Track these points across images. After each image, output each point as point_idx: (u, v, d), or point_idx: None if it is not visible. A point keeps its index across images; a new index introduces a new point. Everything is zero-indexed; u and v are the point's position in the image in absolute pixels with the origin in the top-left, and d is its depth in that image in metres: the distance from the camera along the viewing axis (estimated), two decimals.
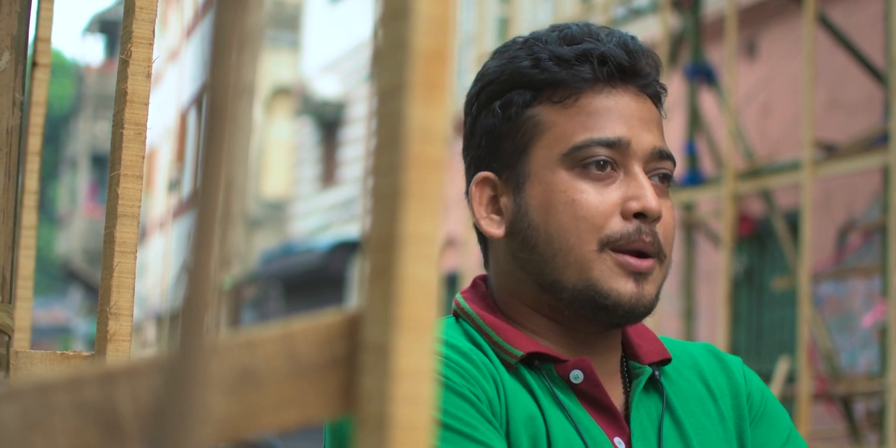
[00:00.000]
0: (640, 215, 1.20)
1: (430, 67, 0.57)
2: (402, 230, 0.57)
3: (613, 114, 1.23)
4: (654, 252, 1.21)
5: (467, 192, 1.30)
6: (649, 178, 1.24)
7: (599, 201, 1.20)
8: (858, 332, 6.54)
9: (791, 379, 5.70)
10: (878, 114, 6.02)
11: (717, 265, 6.16)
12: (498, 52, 1.30)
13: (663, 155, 1.24)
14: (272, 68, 18.44)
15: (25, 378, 1.11)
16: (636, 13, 7.34)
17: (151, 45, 1.12)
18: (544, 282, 1.22)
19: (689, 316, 6.43)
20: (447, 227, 10.12)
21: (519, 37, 1.30)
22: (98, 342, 1.10)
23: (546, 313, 1.25)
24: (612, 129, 1.22)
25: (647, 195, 1.20)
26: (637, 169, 1.22)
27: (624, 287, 1.20)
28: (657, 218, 1.21)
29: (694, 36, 6.46)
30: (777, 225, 5.92)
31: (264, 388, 0.59)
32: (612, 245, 1.20)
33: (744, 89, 7.23)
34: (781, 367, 5.46)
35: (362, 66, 15.20)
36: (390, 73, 0.58)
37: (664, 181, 1.25)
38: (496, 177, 1.27)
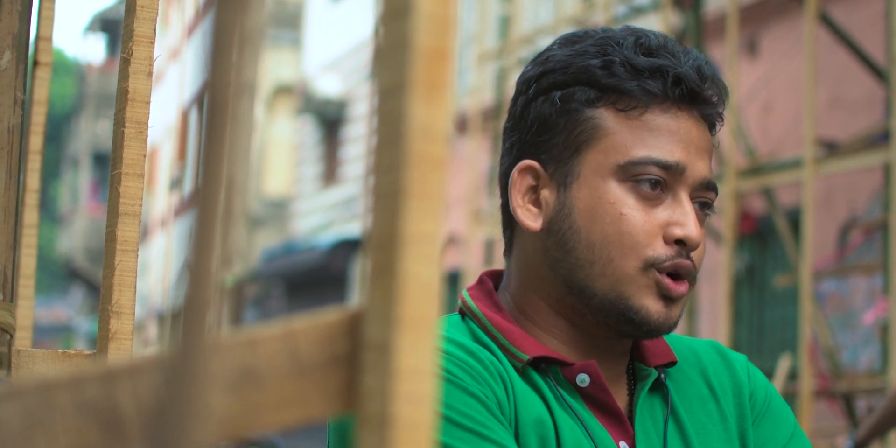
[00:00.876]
0: (680, 242, 1.21)
1: (431, 66, 0.57)
2: (404, 229, 0.57)
3: (676, 136, 1.22)
4: (690, 276, 1.22)
5: (504, 174, 1.28)
6: (693, 203, 1.24)
7: (645, 221, 1.20)
8: (860, 330, 6.54)
9: (793, 376, 5.70)
10: (880, 112, 6.02)
11: (719, 263, 6.16)
12: (567, 41, 1.27)
13: (710, 186, 1.24)
14: (273, 67, 18.44)
15: (27, 377, 1.11)
16: (637, 11, 7.34)
17: (152, 43, 1.12)
18: (574, 285, 1.22)
19: (691, 314, 6.42)
20: (448, 225, 10.12)
21: (591, 30, 1.28)
22: (100, 341, 1.10)
23: (565, 314, 1.24)
24: (672, 151, 1.21)
25: (691, 224, 1.21)
26: (684, 195, 1.22)
27: (654, 306, 1.20)
28: (696, 247, 1.21)
29: (695, 34, 6.45)
30: (778, 223, 5.93)
31: (265, 386, 0.59)
32: (657, 266, 1.20)
33: (745, 87, 7.22)
34: (783, 365, 5.46)
35: (364, 64, 15.20)
36: (391, 72, 0.58)
37: (704, 209, 1.25)
38: (542, 168, 1.25)
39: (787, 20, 7.21)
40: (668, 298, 1.20)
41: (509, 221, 1.29)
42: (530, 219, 1.24)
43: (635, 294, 1.20)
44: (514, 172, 1.26)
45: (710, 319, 7.28)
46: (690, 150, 1.22)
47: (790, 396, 5.30)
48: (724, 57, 6.10)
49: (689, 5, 6.52)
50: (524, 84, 1.28)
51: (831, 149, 5.48)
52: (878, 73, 5.62)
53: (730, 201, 5.68)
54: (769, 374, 5.53)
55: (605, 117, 1.22)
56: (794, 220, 6.26)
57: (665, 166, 1.20)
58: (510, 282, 1.29)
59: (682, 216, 1.21)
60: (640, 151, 1.21)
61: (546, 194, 1.24)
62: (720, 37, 6.80)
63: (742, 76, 6.94)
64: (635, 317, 1.19)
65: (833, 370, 5.57)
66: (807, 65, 5.14)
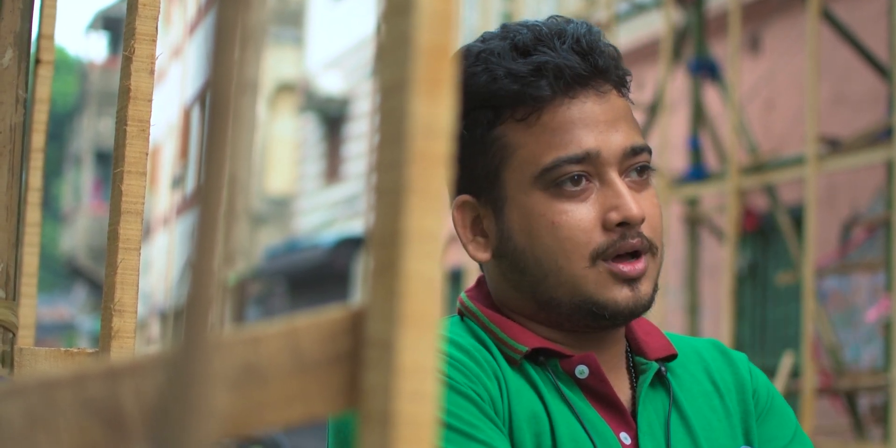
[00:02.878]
0: (622, 223, 1.20)
1: (433, 63, 0.57)
2: (406, 226, 0.57)
3: (577, 125, 1.20)
4: (645, 249, 1.21)
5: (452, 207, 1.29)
6: (627, 174, 1.22)
7: (579, 219, 1.19)
8: (862, 327, 6.54)
9: (795, 374, 5.70)
10: (883, 109, 6.02)
11: (721, 260, 6.16)
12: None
13: (636, 151, 1.22)
14: (276, 64, 18.44)
15: (30, 375, 1.11)
16: (639, 8, 7.34)
17: (154, 41, 1.12)
18: (540, 299, 1.22)
19: (693, 311, 6.42)
20: (450, 223, 10.11)
21: (472, 44, 1.26)
22: (102, 339, 1.10)
23: (546, 324, 1.25)
24: (578, 143, 1.20)
25: (626, 203, 1.19)
26: (612, 175, 1.21)
27: (619, 294, 1.20)
28: (640, 222, 1.20)
29: (697, 31, 6.45)
30: (781, 220, 5.92)
31: (268, 384, 0.59)
32: (602, 256, 1.19)
33: (747, 84, 7.22)
34: (785, 362, 5.46)
35: (366, 62, 15.20)
36: (393, 69, 0.58)
37: (642, 173, 1.23)
38: (474, 199, 1.25)
39: (790, 17, 7.21)
40: (630, 280, 1.20)
41: None
42: (479, 251, 1.26)
43: (597, 291, 1.19)
44: (454, 210, 1.27)
45: (712, 317, 7.28)
46: (599, 129, 1.21)
47: (793, 394, 5.30)
48: (727, 54, 6.09)
49: (692, 2, 6.51)
50: None
51: (834, 146, 5.47)
52: (881, 69, 5.62)
53: (732, 198, 5.68)
54: (772, 372, 5.53)
55: (509, 133, 1.22)
56: (797, 217, 6.26)
57: (578, 160, 1.19)
58: (494, 300, 1.29)
59: (614, 199, 1.20)
60: (549, 156, 1.20)
61: (487, 224, 1.25)
62: (722, 34, 6.79)
63: (744, 73, 6.93)
64: (605, 311, 1.20)
65: (836, 368, 5.57)
66: (809, 62, 5.14)
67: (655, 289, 1.23)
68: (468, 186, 1.26)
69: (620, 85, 1.25)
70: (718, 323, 6.51)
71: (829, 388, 5.49)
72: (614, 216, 1.19)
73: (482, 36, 1.27)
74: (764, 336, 7.67)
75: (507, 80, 1.21)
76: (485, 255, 1.25)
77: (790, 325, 7.07)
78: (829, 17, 5.72)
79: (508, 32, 1.25)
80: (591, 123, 1.21)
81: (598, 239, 1.19)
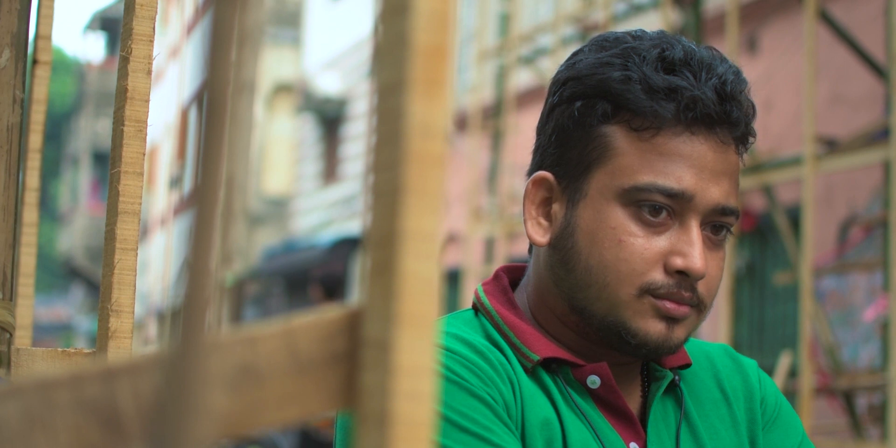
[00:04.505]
0: (681, 273, 1.17)
1: (430, 63, 0.57)
2: (403, 226, 0.57)
3: (686, 162, 1.17)
4: (693, 304, 1.19)
5: (529, 174, 1.27)
6: (706, 226, 1.20)
7: (645, 248, 1.17)
8: (860, 327, 6.54)
9: (793, 373, 5.70)
10: (880, 109, 6.02)
11: None
12: (597, 46, 1.24)
13: (726, 211, 1.20)
14: (273, 65, 18.44)
15: (27, 375, 1.11)
16: (637, 9, 7.34)
17: (152, 42, 1.12)
18: (574, 305, 1.21)
19: None
20: (448, 223, 10.12)
21: (624, 35, 1.23)
22: (99, 339, 1.10)
23: (571, 327, 1.23)
24: (678, 178, 1.17)
25: (694, 254, 1.17)
26: (693, 223, 1.18)
27: (654, 327, 1.17)
28: (699, 278, 1.18)
29: (695, 31, 6.45)
30: (779, 220, 5.92)
31: (265, 384, 0.59)
32: (652, 293, 1.17)
33: None
34: (783, 362, 5.46)
35: (363, 62, 15.20)
36: (391, 70, 0.58)
37: (718, 233, 1.21)
38: (555, 181, 1.23)
39: (787, 17, 7.21)
40: (669, 319, 1.18)
41: None
42: (538, 233, 1.23)
43: (632, 317, 1.17)
44: (529, 183, 1.25)
45: (710, 316, 7.27)
46: (703, 176, 1.18)
47: (790, 394, 5.30)
48: (725, 54, 6.09)
49: (689, 3, 6.52)
50: (553, 86, 1.26)
51: (831, 146, 5.48)
52: (878, 69, 5.62)
53: None
54: (770, 372, 5.53)
55: (618, 136, 1.19)
56: (795, 217, 6.26)
57: (670, 194, 1.17)
58: (528, 283, 1.28)
59: (685, 245, 1.17)
60: (646, 177, 1.17)
61: (556, 209, 1.23)
62: (720, 34, 6.80)
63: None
64: (633, 339, 1.18)
65: (833, 367, 5.57)
66: (807, 62, 5.14)
67: (687, 338, 1.21)
68: (554, 165, 1.24)
69: (742, 142, 1.23)
70: (716, 323, 6.51)
71: (827, 387, 5.49)
72: (678, 262, 1.17)
73: (636, 31, 1.25)
74: (762, 336, 7.67)
75: (638, 87, 1.18)
76: (542, 240, 1.23)
77: (788, 325, 7.07)
78: (826, 18, 5.72)
79: (663, 41, 1.22)
80: (699, 166, 1.18)
81: (654, 275, 1.17)
